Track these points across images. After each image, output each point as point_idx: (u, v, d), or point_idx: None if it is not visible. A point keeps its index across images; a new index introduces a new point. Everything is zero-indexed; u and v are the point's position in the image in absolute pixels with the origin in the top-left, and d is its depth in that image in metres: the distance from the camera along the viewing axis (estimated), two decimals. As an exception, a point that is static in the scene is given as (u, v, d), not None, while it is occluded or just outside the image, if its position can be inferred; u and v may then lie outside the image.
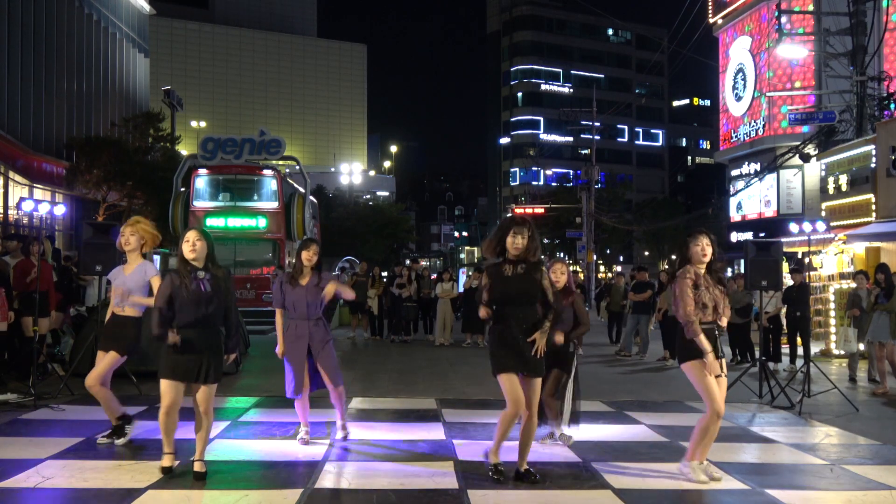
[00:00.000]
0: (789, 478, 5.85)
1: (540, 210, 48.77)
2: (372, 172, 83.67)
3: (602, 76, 78.64)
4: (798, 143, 23.96)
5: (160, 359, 5.32)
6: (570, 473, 5.73)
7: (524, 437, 5.39)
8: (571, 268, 19.25)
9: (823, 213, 18.93)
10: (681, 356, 5.51)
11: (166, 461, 5.35)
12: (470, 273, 18.66)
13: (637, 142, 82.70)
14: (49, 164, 26.64)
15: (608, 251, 56.56)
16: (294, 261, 6.52)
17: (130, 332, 6.30)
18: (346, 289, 6.70)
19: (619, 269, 50.46)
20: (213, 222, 21.14)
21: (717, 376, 5.45)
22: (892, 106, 19.41)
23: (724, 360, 5.57)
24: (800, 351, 12.23)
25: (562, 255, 49.39)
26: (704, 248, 5.47)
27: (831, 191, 18.53)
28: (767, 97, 31.57)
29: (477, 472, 5.62)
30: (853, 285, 11.62)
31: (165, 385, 5.25)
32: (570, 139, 73.47)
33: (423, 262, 42.92)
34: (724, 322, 5.57)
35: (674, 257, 6.11)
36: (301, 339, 6.29)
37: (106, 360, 6.24)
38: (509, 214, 6.27)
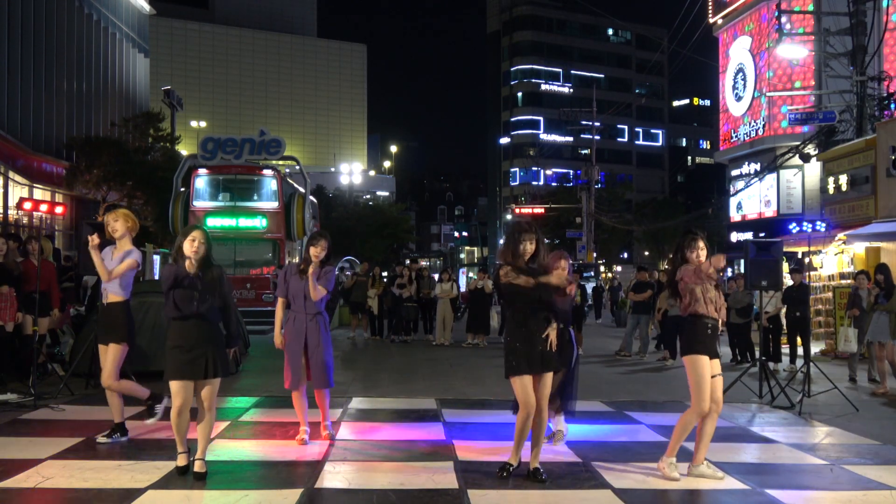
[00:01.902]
0: (789, 478, 5.84)
1: (540, 210, 48.81)
2: (372, 172, 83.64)
3: (602, 76, 78.58)
4: (798, 143, 23.95)
5: (166, 361, 5.32)
6: (570, 473, 5.73)
7: (535, 433, 5.44)
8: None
9: (823, 213, 18.93)
10: (683, 348, 5.60)
11: (181, 460, 5.35)
12: (472, 274, 18.65)
13: (637, 142, 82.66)
14: (49, 164, 26.65)
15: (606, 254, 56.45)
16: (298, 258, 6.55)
17: (119, 318, 6.32)
18: (320, 286, 6.21)
19: (618, 268, 50.45)
20: (213, 222, 21.13)
21: (713, 376, 5.50)
22: (893, 106, 19.40)
23: (718, 360, 5.60)
24: (800, 351, 12.23)
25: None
26: (699, 253, 5.56)
27: (831, 191, 18.53)
28: (767, 97, 31.56)
29: (477, 472, 5.62)
30: (853, 285, 11.63)
31: (175, 385, 5.25)
32: (570, 139, 73.45)
33: (423, 262, 42.88)
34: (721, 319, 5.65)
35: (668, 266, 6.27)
36: (300, 332, 6.30)
37: (110, 356, 6.29)
38: (514, 219, 6.26)
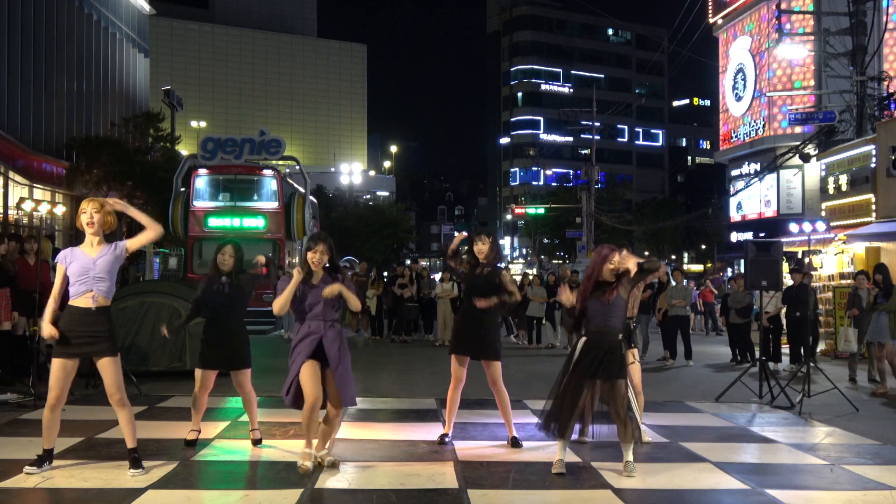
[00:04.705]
0: (789, 478, 5.84)
1: (540, 210, 48.82)
2: (372, 172, 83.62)
3: (602, 76, 78.53)
4: (798, 143, 23.96)
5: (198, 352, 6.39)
6: (570, 473, 5.73)
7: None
8: (571, 268, 19.19)
9: (823, 213, 18.93)
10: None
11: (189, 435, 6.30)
12: None
13: (637, 142, 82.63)
14: (49, 164, 26.62)
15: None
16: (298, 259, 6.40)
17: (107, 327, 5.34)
18: (351, 296, 5.64)
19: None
20: (212, 222, 21.13)
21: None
22: (893, 106, 19.39)
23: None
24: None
25: (561, 254, 49.43)
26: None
27: (831, 191, 18.52)
28: (767, 97, 31.57)
29: (477, 472, 5.63)
30: (853, 285, 11.63)
31: (196, 372, 6.28)
32: (570, 139, 73.39)
33: (423, 262, 42.84)
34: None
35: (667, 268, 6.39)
36: (313, 334, 5.53)
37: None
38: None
